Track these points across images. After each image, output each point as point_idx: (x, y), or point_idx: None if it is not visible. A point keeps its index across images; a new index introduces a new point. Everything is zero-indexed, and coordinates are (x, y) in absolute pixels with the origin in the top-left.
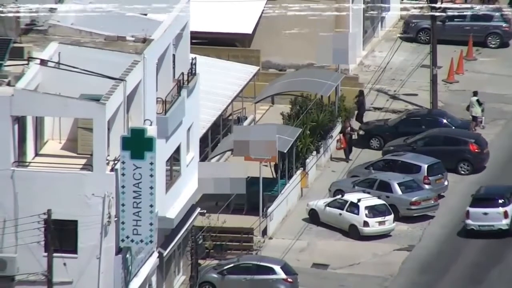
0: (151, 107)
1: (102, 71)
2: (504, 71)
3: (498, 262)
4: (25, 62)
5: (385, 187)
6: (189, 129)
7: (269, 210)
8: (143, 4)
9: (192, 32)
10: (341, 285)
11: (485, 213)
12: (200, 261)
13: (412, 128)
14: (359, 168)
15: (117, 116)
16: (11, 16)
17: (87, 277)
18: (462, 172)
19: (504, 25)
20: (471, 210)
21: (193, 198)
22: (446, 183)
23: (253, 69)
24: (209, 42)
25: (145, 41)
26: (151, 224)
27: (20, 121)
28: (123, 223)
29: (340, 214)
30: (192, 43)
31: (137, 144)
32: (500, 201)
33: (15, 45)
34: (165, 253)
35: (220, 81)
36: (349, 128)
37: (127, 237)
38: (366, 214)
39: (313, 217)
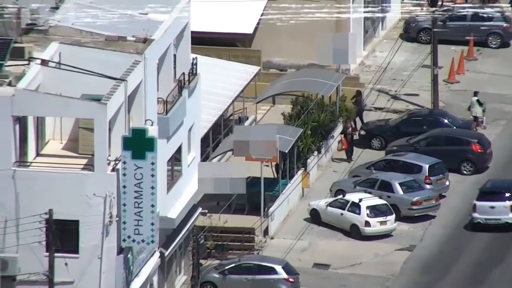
0: (152, 107)
1: (103, 71)
2: (505, 71)
3: (499, 262)
4: (26, 62)
5: (386, 187)
6: (190, 129)
7: (271, 210)
8: (143, 4)
9: (192, 32)
10: (342, 285)
11: (492, 207)
12: (201, 261)
13: (413, 128)
14: (361, 168)
15: (118, 116)
16: (11, 16)
17: (89, 277)
18: (465, 172)
19: (504, 25)
20: (478, 203)
21: (195, 198)
22: (447, 183)
23: (254, 69)
24: (210, 42)
25: (146, 41)
26: (152, 224)
27: (21, 121)
28: (124, 223)
29: (342, 214)
30: (193, 43)
31: (138, 144)
32: (506, 194)
33: (16, 45)
34: (166, 253)
35: (221, 81)
36: (350, 129)
37: (129, 237)
38: (367, 214)
39: (315, 217)
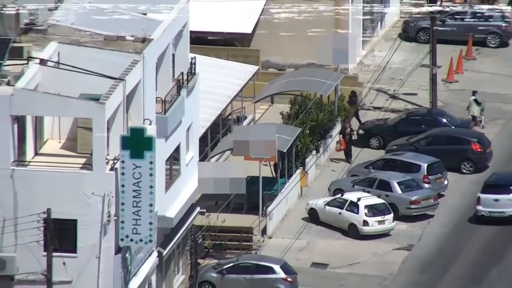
0: (151, 107)
1: (102, 71)
2: (504, 70)
3: (498, 262)
4: (25, 61)
5: (384, 186)
6: (188, 128)
7: (269, 209)
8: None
9: (191, 32)
10: (340, 284)
11: (496, 200)
12: (199, 261)
13: (412, 127)
14: (359, 167)
15: (117, 116)
16: (10, 15)
17: (87, 277)
18: (465, 171)
19: (503, 24)
20: (482, 196)
21: (193, 197)
22: (446, 182)
23: (253, 68)
24: (209, 42)
25: (145, 40)
26: (150, 223)
27: (19, 120)
28: (122, 222)
29: (340, 213)
30: (191, 43)
31: (137, 143)
32: (511, 187)
33: (15, 44)
34: (164, 253)
35: (220, 81)
36: (348, 129)
37: (127, 236)
38: (365, 213)
39: (313, 216)
